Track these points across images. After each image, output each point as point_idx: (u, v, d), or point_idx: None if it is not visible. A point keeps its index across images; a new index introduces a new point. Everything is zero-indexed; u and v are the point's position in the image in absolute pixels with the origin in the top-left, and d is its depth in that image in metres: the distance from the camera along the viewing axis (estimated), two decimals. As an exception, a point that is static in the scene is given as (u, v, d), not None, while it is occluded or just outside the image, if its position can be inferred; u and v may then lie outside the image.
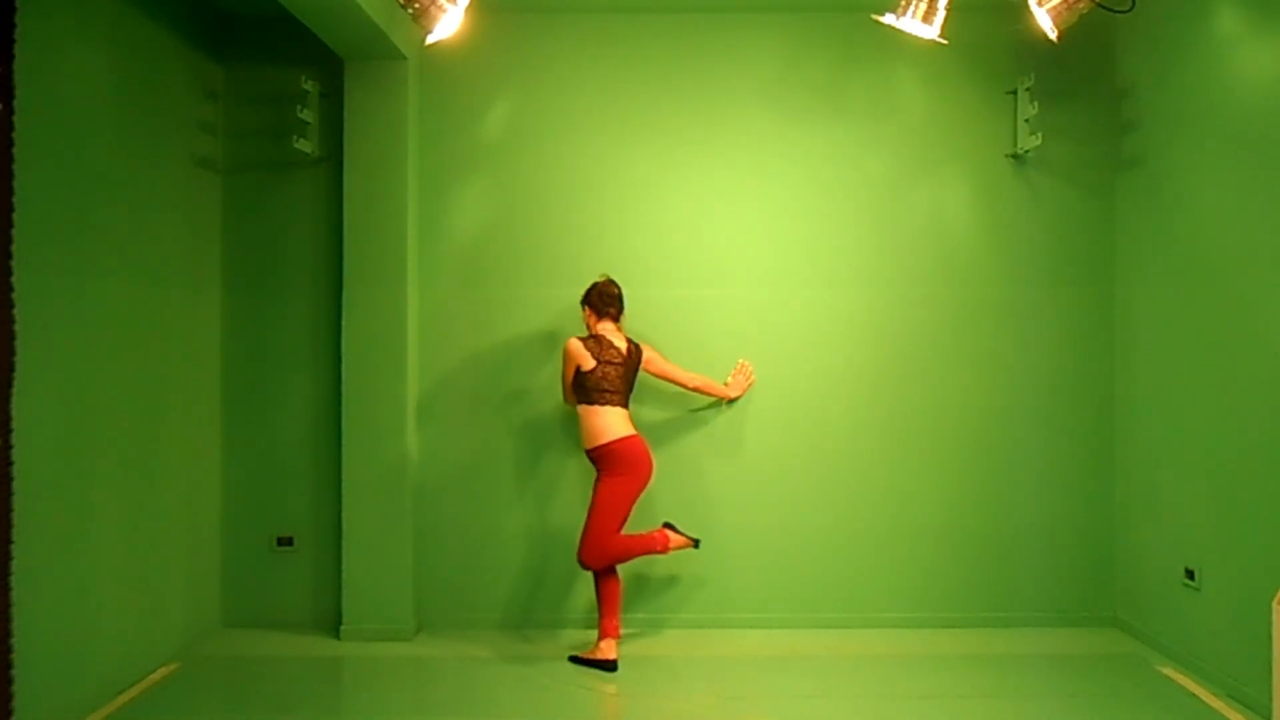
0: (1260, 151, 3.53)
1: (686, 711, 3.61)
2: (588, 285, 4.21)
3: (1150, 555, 4.27)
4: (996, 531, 4.56)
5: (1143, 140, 4.34)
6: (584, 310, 4.21)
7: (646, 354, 4.25)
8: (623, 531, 4.08)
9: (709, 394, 4.49)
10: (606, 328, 4.15)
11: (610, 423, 4.05)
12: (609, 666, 4.00)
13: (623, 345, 4.13)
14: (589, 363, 4.04)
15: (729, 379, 4.51)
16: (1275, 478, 3.43)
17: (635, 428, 4.12)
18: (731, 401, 4.54)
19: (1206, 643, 3.84)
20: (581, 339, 4.10)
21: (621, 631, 4.16)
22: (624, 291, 4.22)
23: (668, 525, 4.20)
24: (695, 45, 4.59)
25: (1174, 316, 4.09)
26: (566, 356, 4.10)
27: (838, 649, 4.28)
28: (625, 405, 4.11)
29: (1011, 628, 4.50)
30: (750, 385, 4.53)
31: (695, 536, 4.20)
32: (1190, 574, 3.93)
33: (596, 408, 4.06)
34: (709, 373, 4.49)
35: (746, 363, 4.53)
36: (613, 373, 4.06)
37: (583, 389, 4.07)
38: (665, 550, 4.12)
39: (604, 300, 4.17)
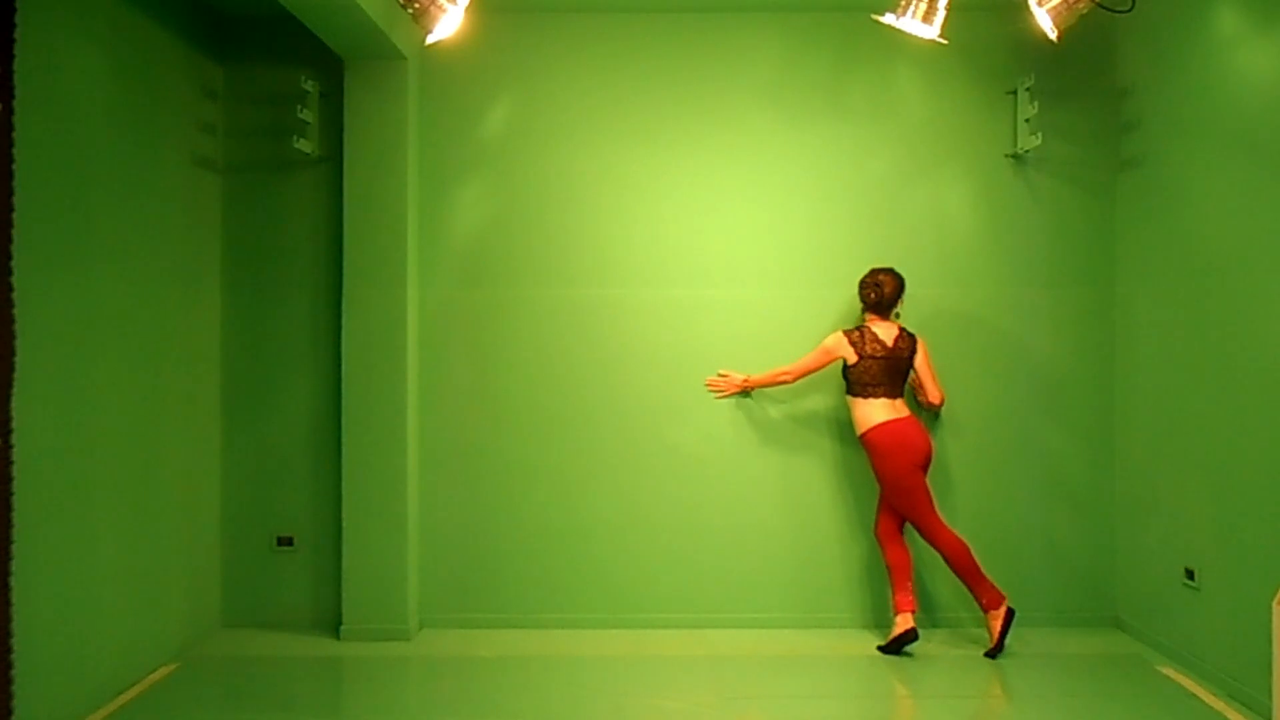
0: (1260, 151, 3.52)
1: (686, 711, 3.61)
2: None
3: (1150, 555, 4.27)
4: (997, 531, 4.56)
5: (1143, 140, 4.34)
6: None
7: (920, 350, 4.25)
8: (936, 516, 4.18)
9: (936, 410, 4.45)
10: (873, 319, 4.24)
11: (868, 414, 4.19)
12: (910, 637, 4.10)
13: (889, 338, 4.18)
14: (852, 356, 4.18)
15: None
16: (1275, 478, 3.43)
17: (907, 412, 4.18)
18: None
19: (1206, 643, 3.84)
20: (847, 331, 4.24)
21: (914, 603, 4.17)
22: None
23: (1010, 611, 4.09)
24: (695, 45, 4.59)
25: (1174, 316, 4.09)
26: (822, 348, 4.25)
27: (837, 649, 4.28)
28: (892, 395, 4.17)
29: (1012, 628, 4.49)
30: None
31: (994, 644, 4.09)
32: (1190, 574, 3.93)
33: (858, 400, 4.21)
34: (710, 372, 4.51)
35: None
36: (875, 366, 4.15)
37: (848, 381, 4.22)
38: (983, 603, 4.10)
39: (864, 291, 4.26)
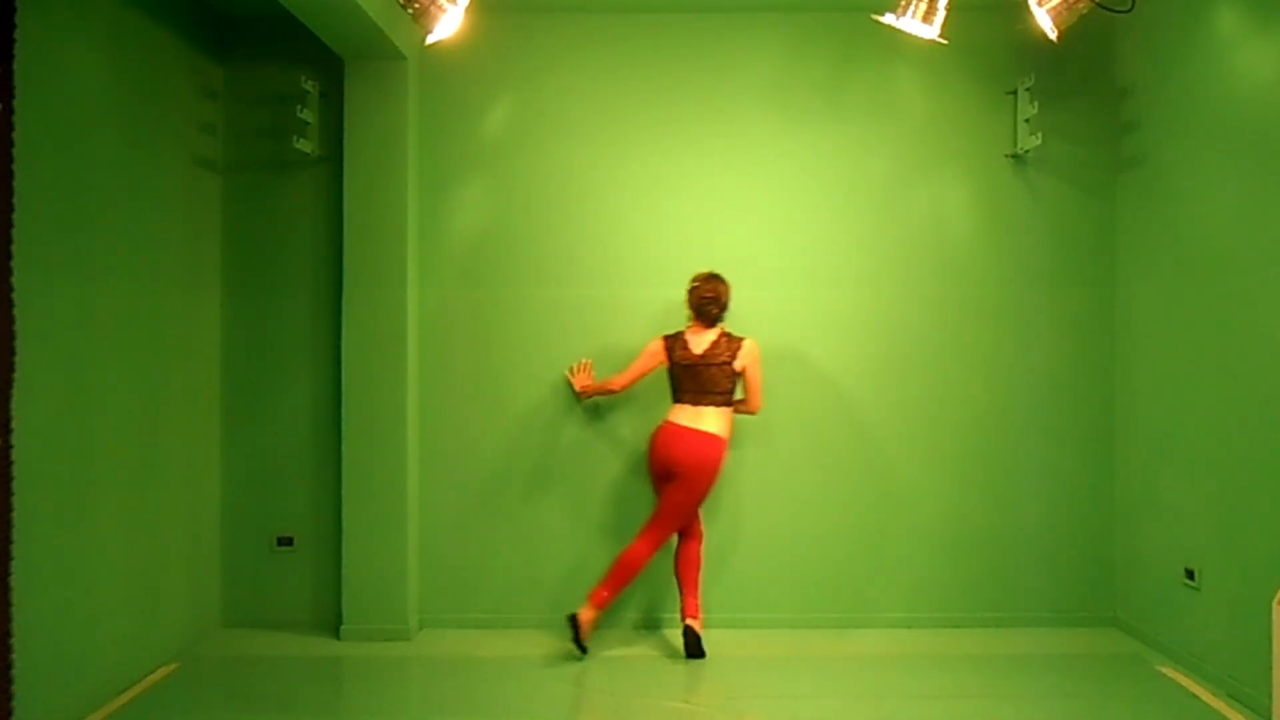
0: (1260, 151, 3.53)
1: (686, 711, 3.61)
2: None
3: (1150, 555, 4.27)
4: (996, 531, 4.56)
5: (1143, 140, 4.34)
6: None
7: (742, 356, 4.15)
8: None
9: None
10: (696, 327, 4.22)
11: (669, 414, 4.19)
12: (695, 636, 4.13)
13: (701, 346, 4.16)
14: (666, 362, 4.21)
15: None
16: (1275, 478, 3.43)
17: (706, 425, 4.10)
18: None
19: (1206, 643, 3.84)
20: (666, 336, 4.24)
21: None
22: (726, 291, 4.19)
23: (573, 618, 4.09)
24: (695, 45, 4.59)
25: (1174, 316, 4.09)
26: (646, 351, 4.26)
27: (838, 649, 4.28)
28: (696, 403, 4.13)
29: (1011, 628, 4.50)
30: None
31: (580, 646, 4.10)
32: (1190, 574, 3.93)
33: (673, 403, 4.21)
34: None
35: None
36: (680, 373, 4.17)
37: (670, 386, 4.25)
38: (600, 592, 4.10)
39: (701, 303, 4.20)
